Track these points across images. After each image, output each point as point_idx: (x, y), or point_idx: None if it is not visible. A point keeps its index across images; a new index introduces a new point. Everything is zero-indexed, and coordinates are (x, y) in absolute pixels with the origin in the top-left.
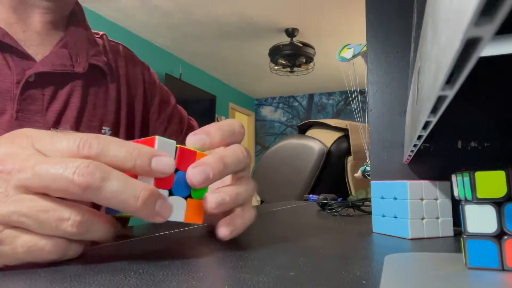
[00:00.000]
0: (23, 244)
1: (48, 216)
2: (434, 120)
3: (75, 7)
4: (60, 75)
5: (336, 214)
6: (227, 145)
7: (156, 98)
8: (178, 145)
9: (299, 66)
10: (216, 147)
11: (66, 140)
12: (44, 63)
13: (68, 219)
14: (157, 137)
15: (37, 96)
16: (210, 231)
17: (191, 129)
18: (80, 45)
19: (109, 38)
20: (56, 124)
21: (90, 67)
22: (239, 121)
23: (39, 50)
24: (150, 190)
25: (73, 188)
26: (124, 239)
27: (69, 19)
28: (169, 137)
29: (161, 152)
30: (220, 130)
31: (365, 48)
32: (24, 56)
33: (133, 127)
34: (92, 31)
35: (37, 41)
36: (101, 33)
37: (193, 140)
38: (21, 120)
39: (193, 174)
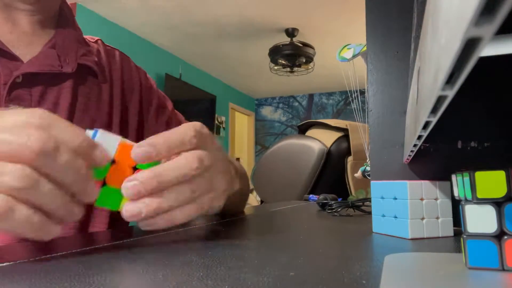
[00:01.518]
0: None
1: None
2: (434, 120)
3: (63, 7)
4: (48, 76)
5: (336, 214)
6: (177, 154)
7: (153, 102)
8: (121, 141)
9: (299, 66)
10: (163, 158)
11: (16, 115)
12: (32, 63)
13: (9, 172)
14: (99, 131)
15: (25, 96)
16: (210, 231)
17: None
18: (68, 45)
19: (105, 43)
20: None
21: (80, 67)
22: (198, 124)
23: (27, 51)
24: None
25: (26, 152)
26: (123, 239)
27: (58, 19)
28: None
29: (97, 150)
30: (167, 141)
31: (365, 48)
32: (11, 57)
33: (126, 130)
34: (87, 36)
35: (25, 42)
36: (96, 38)
37: (137, 152)
38: None
39: (126, 188)
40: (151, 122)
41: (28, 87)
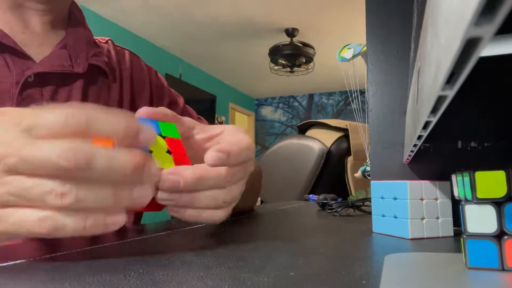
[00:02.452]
0: (14, 222)
1: (34, 192)
2: (434, 120)
3: (73, 8)
4: (60, 76)
5: (336, 214)
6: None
7: (164, 100)
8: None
9: (299, 66)
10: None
11: (51, 115)
12: (43, 63)
13: (51, 191)
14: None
15: (36, 96)
16: (210, 231)
17: None
18: (79, 46)
19: (115, 44)
20: None
21: (90, 67)
22: (246, 132)
23: (39, 51)
24: (138, 157)
25: (61, 171)
26: (123, 239)
27: (69, 20)
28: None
29: (145, 127)
30: (239, 154)
31: (365, 48)
32: (23, 56)
33: None
34: (98, 37)
35: (37, 42)
36: (106, 38)
37: (213, 156)
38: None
39: (165, 179)
40: None
41: (40, 86)
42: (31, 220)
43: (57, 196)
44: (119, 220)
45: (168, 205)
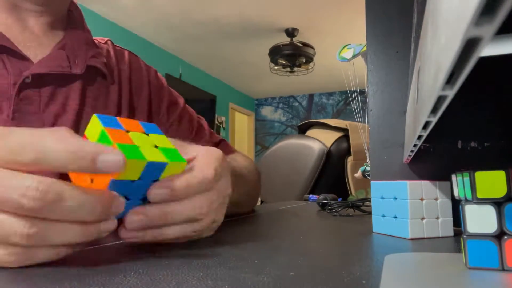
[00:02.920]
0: None
1: None
2: (434, 120)
3: (72, 8)
4: (58, 77)
5: (336, 214)
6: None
7: (164, 100)
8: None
9: (299, 66)
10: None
11: (1, 148)
12: (41, 64)
13: (15, 233)
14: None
15: (34, 97)
16: None
17: (201, 128)
18: (78, 47)
19: (114, 44)
20: (53, 126)
21: (89, 68)
22: (219, 157)
23: (38, 52)
24: (104, 201)
25: (24, 211)
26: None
27: (68, 20)
28: (180, 137)
29: (106, 148)
30: (186, 187)
31: (365, 48)
32: (21, 57)
33: None
34: (98, 37)
35: (36, 43)
36: (106, 39)
37: (156, 193)
38: (17, 120)
39: (131, 220)
40: (163, 119)
41: (37, 87)
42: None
43: (22, 236)
44: (85, 246)
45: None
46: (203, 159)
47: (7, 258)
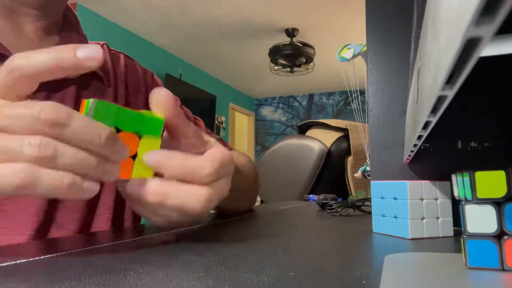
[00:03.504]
0: None
1: (12, 144)
2: (434, 120)
3: (68, 13)
4: (52, 82)
5: (336, 214)
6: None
7: None
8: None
9: (299, 66)
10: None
11: (27, 106)
12: None
13: (29, 143)
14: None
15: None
16: (210, 231)
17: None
18: None
19: (110, 48)
20: None
21: (84, 72)
22: (223, 157)
23: None
24: (110, 130)
25: (39, 125)
26: (123, 239)
27: (63, 25)
28: None
29: (84, 45)
30: (181, 165)
31: (365, 48)
32: None
33: None
34: (93, 41)
35: (31, 48)
36: (102, 43)
37: (153, 157)
38: None
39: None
40: None
41: (33, 92)
42: (7, 172)
43: (35, 146)
44: (94, 187)
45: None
46: (206, 155)
47: (14, 177)
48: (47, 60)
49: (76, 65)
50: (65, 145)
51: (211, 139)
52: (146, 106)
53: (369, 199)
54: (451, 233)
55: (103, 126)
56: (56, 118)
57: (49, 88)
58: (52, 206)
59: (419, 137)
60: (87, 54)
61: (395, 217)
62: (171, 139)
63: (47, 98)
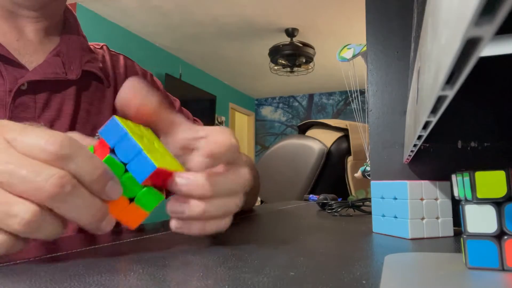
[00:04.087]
0: None
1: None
2: (434, 120)
3: (67, 14)
4: (53, 83)
5: (336, 214)
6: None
7: None
8: (157, 166)
9: (299, 66)
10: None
11: (36, 135)
12: (36, 71)
13: (16, 216)
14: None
15: (29, 103)
16: None
17: None
18: (73, 52)
19: (109, 49)
20: None
21: (84, 73)
22: (230, 131)
23: (33, 59)
24: (103, 212)
25: (40, 194)
26: (123, 239)
27: (63, 26)
28: None
29: (116, 178)
30: (223, 151)
31: (365, 48)
32: (16, 65)
33: None
34: (93, 42)
35: (31, 50)
36: (101, 44)
37: (198, 162)
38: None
39: (179, 184)
40: None
41: (33, 94)
42: None
43: (20, 223)
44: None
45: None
46: (220, 131)
47: None
48: (86, 171)
49: (98, 191)
50: (53, 219)
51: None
52: None
53: (369, 199)
54: (451, 233)
55: (99, 207)
56: (60, 193)
57: (50, 90)
58: None
59: (419, 137)
60: (110, 193)
61: (395, 217)
62: (163, 135)
63: (48, 99)
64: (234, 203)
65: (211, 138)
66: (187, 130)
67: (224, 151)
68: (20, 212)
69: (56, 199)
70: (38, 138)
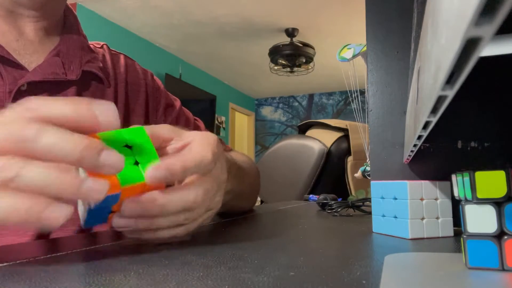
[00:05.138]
0: None
1: None
2: (434, 120)
3: (68, 13)
4: (53, 83)
5: (336, 214)
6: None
7: (161, 103)
8: (122, 187)
9: (299, 66)
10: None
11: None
12: (36, 72)
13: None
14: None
15: None
16: (210, 231)
17: (197, 129)
18: (73, 52)
19: (110, 48)
20: None
21: (84, 73)
22: (215, 140)
23: (33, 59)
24: (89, 140)
25: (7, 144)
26: (123, 239)
27: (63, 26)
28: None
29: (110, 148)
30: (184, 166)
31: (365, 48)
32: (16, 65)
33: None
34: (93, 41)
35: (31, 50)
36: (102, 43)
37: (153, 175)
38: None
39: (126, 207)
40: (159, 121)
41: (33, 94)
42: None
43: None
44: (62, 212)
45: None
46: (200, 142)
47: None
48: (66, 110)
49: (92, 125)
50: (32, 164)
51: (187, 132)
52: (146, 106)
53: (369, 199)
54: (451, 233)
55: (81, 137)
56: (25, 135)
57: (50, 90)
58: None
59: (419, 137)
60: (105, 118)
61: (395, 217)
62: None
63: None
64: (184, 217)
65: (184, 151)
66: (176, 141)
67: (191, 165)
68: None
69: (24, 143)
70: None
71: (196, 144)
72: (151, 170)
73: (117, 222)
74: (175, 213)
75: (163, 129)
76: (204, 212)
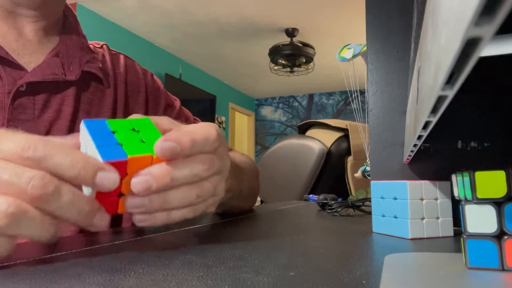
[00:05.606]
0: None
1: None
2: (434, 120)
3: (67, 13)
4: (52, 84)
5: (336, 214)
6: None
7: (161, 103)
8: (129, 156)
9: (299, 66)
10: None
11: (11, 142)
12: (35, 72)
13: (5, 206)
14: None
15: (28, 105)
16: (210, 231)
17: None
18: (72, 53)
19: (110, 48)
20: (48, 133)
21: (84, 74)
22: (215, 125)
23: (32, 59)
24: (92, 207)
25: (24, 196)
26: (123, 239)
27: (62, 26)
28: None
29: (107, 167)
30: (192, 140)
31: (365, 48)
32: (15, 66)
33: None
34: (93, 41)
35: (30, 50)
36: (101, 43)
37: (163, 147)
38: (12, 128)
39: (137, 182)
40: None
41: (32, 95)
42: None
43: (3, 216)
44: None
45: (137, 213)
46: (203, 123)
47: None
48: (69, 166)
49: (88, 183)
50: (44, 217)
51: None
52: (146, 106)
53: (369, 199)
54: (451, 233)
55: (86, 201)
56: (43, 194)
57: (49, 91)
58: None
59: (419, 137)
60: (104, 183)
61: (395, 217)
62: None
63: (47, 100)
64: (196, 193)
65: (186, 128)
66: (170, 122)
67: (194, 139)
68: (1, 206)
69: (41, 200)
70: (13, 144)
71: (201, 125)
72: (160, 142)
73: (131, 202)
74: (185, 184)
75: (162, 120)
76: (210, 195)
